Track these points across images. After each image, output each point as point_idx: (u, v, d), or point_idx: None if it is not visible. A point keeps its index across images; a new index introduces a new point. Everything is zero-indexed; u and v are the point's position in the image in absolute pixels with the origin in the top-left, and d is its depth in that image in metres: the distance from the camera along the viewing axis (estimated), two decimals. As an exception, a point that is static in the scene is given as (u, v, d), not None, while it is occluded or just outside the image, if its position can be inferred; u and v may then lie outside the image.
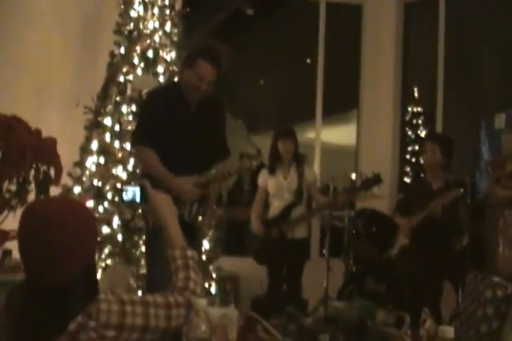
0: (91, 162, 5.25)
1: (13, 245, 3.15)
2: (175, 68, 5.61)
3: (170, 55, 5.67)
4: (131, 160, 5.19)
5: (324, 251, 5.69)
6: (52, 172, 3.33)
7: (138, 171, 5.02)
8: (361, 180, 5.14)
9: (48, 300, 1.74)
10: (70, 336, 1.70)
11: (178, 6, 6.01)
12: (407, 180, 8.05)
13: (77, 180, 5.20)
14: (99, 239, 4.77)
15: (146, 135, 3.93)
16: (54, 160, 3.21)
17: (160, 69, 5.57)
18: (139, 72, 5.49)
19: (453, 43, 7.01)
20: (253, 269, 5.72)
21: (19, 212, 2.39)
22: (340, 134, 8.49)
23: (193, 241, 3.82)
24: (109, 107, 5.42)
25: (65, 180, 4.80)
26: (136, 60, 5.50)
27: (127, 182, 4.95)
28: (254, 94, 9.64)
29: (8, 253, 3.65)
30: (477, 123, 5.33)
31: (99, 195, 5.08)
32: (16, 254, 2.69)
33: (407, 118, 8.86)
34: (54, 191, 3.65)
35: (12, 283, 2.11)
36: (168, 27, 5.73)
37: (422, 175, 5.64)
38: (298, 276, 5.44)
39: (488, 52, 7.10)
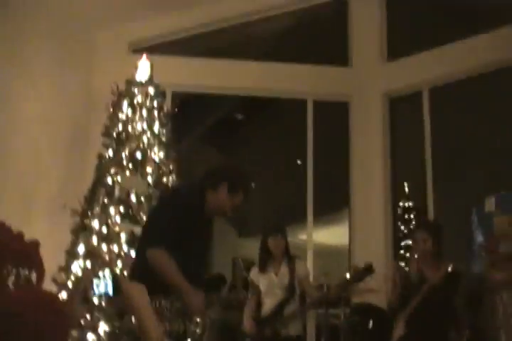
0: (77, 266, 5.09)
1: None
2: (164, 168, 5.58)
3: (158, 156, 5.65)
4: (119, 263, 5.04)
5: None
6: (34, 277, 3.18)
7: (127, 273, 4.85)
8: (353, 271, 5.01)
9: None
10: None
11: (166, 106, 6.04)
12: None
13: (63, 286, 5.02)
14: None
15: (163, 239, 3.64)
16: (36, 265, 3.06)
17: (149, 169, 5.53)
18: (128, 173, 5.45)
19: (439, 135, 7.06)
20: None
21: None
22: (333, 235, 8.37)
23: None
24: (97, 209, 5.33)
25: (50, 286, 4.62)
26: (124, 162, 5.47)
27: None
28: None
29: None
30: (468, 211, 5.26)
31: (85, 300, 4.89)
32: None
33: (399, 213, 8.80)
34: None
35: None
36: (156, 128, 5.74)
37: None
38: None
39: (474, 142, 7.15)
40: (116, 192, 5.36)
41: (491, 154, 6.95)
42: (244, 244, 8.90)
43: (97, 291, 2.15)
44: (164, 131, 5.81)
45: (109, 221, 5.25)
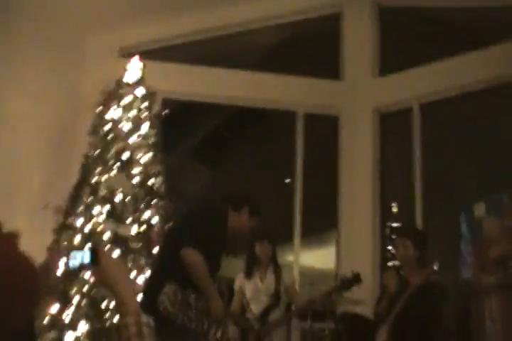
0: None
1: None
2: (149, 169, 5.49)
3: (146, 157, 5.56)
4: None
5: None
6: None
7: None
8: (340, 280, 4.93)
9: None
10: None
11: (155, 108, 5.97)
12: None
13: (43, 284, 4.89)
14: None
15: (197, 242, 3.98)
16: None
17: (135, 170, 5.44)
18: (113, 173, 5.36)
19: (429, 151, 7.03)
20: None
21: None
22: (319, 257, 8.26)
23: None
24: (80, 208, 5.22)
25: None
26: (110, 161, 5.39)
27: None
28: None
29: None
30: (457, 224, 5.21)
31: (64, 300, 4.76)
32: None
33: (387, 233, 8.72)
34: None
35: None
36: (144, 129, 5.67)
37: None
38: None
39: (464, 158, 7.14)
40: (101, 191, 5.27)
41: (481, 171, 6.93)
42: (229, 263, 8.78)
43: (72, 262, 2.05)
44: (153, 132, 5.73)
45: (93, 220, 5.15)
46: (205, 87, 7.20)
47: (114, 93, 5.76)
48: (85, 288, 4.76)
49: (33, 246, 3.46)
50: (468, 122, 7.12)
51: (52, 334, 4.63)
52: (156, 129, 5.76)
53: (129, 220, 5.20)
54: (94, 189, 5.28)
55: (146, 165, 5.53)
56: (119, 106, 5.68)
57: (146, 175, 5.48)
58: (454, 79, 6.94)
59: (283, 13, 7.60)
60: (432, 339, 4.50)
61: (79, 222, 5.14)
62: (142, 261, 5.07)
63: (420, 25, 7.53)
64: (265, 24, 7.61)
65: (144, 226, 5.25)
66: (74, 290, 4.73)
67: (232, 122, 8.37)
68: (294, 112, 7.51)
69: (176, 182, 6.73)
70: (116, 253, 4.89)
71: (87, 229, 5.10)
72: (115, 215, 5.18)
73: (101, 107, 5.65)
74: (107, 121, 5.59)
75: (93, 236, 5.02)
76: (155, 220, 5.36)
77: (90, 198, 5.24)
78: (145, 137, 5.64)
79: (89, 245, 4.45)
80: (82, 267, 2.10)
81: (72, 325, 4.65)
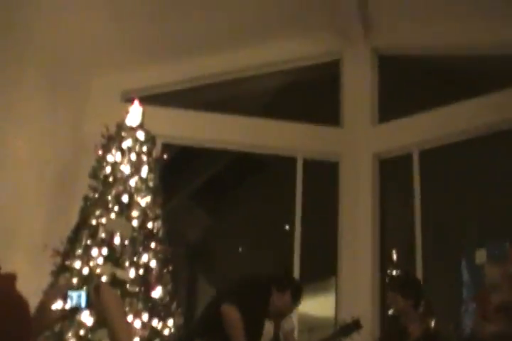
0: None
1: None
2: (149, 212, 5.48)
3: (145, 200, 5.56)
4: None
5: None
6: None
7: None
8: (339, 326, 4.86)
9: None
10: None
11: (155, 152, 6.00)
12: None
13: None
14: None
15: (243, 304, 4.25)
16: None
17: (134, 213, 5.43)
18: (113, 215, 5.34)
19: (429, 198, 7.01)
20: None
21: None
22: (319, 305, 8.14)
23: None
24: (79, 251, 5.19)
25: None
26: (110, 204, 5.38)
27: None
28: (232, 261, 9.43)
29: None
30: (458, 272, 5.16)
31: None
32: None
33: (387, 281, 8.61)
34: None
35: None
36: (144, 172, 5.68)
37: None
38: None
39: (464, 205, 7.11)
40: (100, 233, 5.24)
41: (482, 217, 6.90)
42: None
43: (69, 304, 2.03)
44: (152, 176, 5.74)
45: (91, 263, 5.10)
46: (205, 132, 7.25)
47: (115, 136, 5.79)
48: (82, 331, 4.68)
49: (31, 288, 3.43)
50: (468, 168, 7.13)
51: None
52: (155, 173, 5.77)
53: (127, 263, 5.16)
54: (93, 231, 5.25)
55: (145, 209, 5.53)
56: (119, 149, 5.70)
57: (145, 218, 5.47)
58: (454, 126, 6.98)
59: (283, 59, 7.70)
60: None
61: (77, 264, 5.09)
62: (139, 305, 5.01)
63: (419, 72, 7.62)
64: (266, 70, 7.70)
65: (142, 270, 5.21)
66: (70, 333, 4.66)
67: (232, 168, 8.38)
68: (294, 158, 7.52)
69: (175, 227, 6.70)
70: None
71: (85, 272, 5.06)
72: (114, 258, 5.14)
73: (102, 150, 5.68)
74: (108, 164, 5.61)
75: (91, 279, 4.97)
76: (153, 264, 5.31)
77: (89, 240, 5.21)
78: (144, 180, 5.65)
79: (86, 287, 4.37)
80: (78, 308, 2.07)
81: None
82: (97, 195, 5.47)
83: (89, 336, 4.64)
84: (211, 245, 8.82)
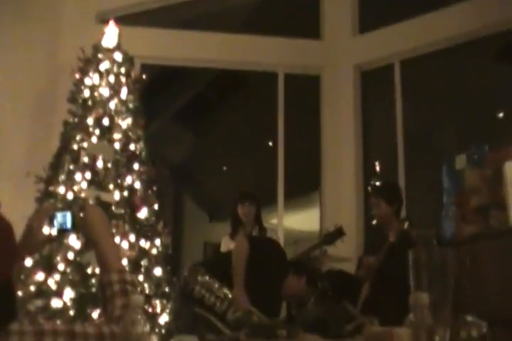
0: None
1: None
2: (130, 134, 5.47)
3: (126, 122, 5.53)
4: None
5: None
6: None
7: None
8: (324, 234, 4.98)
9: None
10: None
11: (134, 73, 5.91)
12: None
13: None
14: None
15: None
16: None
17: (116, 136, 5.42)
18: (94, 139, 5.33)
19: (410, 108, 7.01)
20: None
21: None
22: (304, 219, 8.26)
23: None
24: (62, 176, 5.20)
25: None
26: (90, 128, 5.36)
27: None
28: (216, 180, 9.50)
29: None
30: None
31: (49, 267, 4.77)
32: None
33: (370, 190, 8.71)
34: None
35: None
36: (123, 94, 5.62)
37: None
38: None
39: (446, 114, 7.13)
40: (82, 158, 5.24)
41: (462, 124, 6.94)
42: (215, 228, 8.81)
43: (54, 225, 2.05)
44: (132, 97, 5.69)
45: (75, 187, 5.14)
46: (184, 51, 7.11)
47: (92, 58, 5.70)
48: (70, 255, 4.78)
49: (16, 215, 3.47)
50: (448, 76, 7.09)
51: (38, 302, 4.65)
52: (135, 94, 5.71)
53: (111, 186, 5.19)
54: (75, 156, 5.25)
55: (126, 131, 5.51)
56: (97, 71, 5.62)
57: (127, 141, 5.46)
58: (434, 35, 6.88)
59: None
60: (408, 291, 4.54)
61: (61, 189, 5.12)
62: (126, 227, 5.08)
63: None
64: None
65: (127, 192, 5.25)
66: (58, 257, 4.75)
67: (213, 87, 8.32)
68: (275, 73, 7.45)
69: (158, 148, 6.73)
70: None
71: (69, 197, 5.10)
72: (98, 182, 5.17)
73: (79, 73, 5.60)
74: (86, 88, 5.54)
75: (76, 203, 5.02)
76: (137, 185, 5.35)
77: (71, 165, 5.22)
78: (124, 102, 5.60)
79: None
80: (65, 230, 2.09)
81: (58, 292, 4.68)
82: (76, 120, 5.42)
83: (78, 259, 4.73)
84: (195, 164, 8.86)
